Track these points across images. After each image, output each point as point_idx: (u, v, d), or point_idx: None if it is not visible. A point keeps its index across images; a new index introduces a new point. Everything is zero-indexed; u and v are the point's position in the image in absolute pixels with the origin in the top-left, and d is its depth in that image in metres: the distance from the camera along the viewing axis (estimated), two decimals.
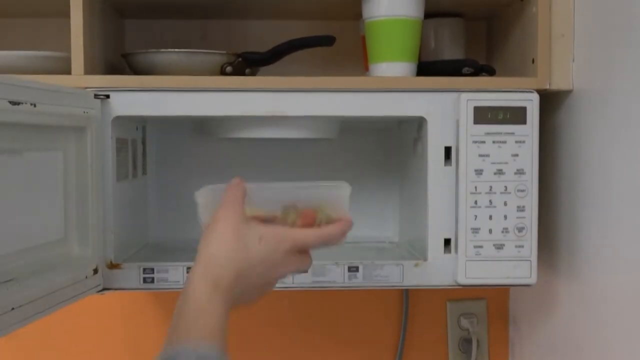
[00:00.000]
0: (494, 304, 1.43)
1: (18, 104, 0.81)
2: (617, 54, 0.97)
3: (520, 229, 1.07)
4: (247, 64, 1.14)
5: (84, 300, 0.99)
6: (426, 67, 1.16)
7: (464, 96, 1.06)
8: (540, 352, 1.27)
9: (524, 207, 1.06)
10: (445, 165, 1.08)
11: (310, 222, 0.91)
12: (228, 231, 0.81)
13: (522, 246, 1.07)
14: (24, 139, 0.86)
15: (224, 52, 1.13)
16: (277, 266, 0.83)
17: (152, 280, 1.07)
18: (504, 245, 1.07)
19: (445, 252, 1.09)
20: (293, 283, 1.08)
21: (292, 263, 0.85)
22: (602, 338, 1.03)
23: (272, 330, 1.42)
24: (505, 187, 1.06)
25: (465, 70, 1.13)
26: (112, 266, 1.06)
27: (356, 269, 1.09)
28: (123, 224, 1.12)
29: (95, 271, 1.01)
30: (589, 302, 1.07)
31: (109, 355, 1.40)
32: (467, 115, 1.05)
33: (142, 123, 1.28)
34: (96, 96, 1.02)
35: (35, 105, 0.85)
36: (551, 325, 1.21)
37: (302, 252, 0.86)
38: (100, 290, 1.04)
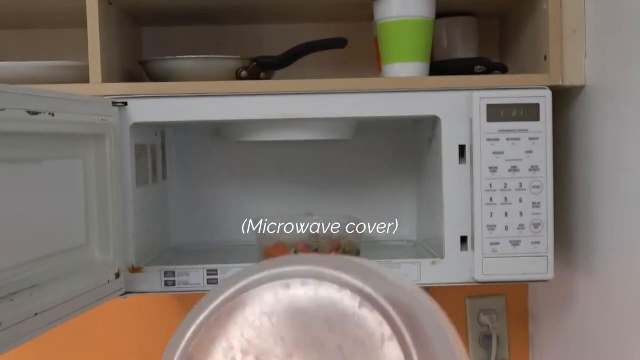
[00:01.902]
0: (513, 300, 1.43)
1: (36, 113, 0.83)
2: (629, 48, 0.97)
3: (536, 225, 1.07)
4: (261, 68, 1.15)
5: (107, 303, 1.01)
6: (439, 67, 1.16)
7: (477, 94, 1.06)
8: (561, 347, 1.27)
9: (539, 203, 1.07)
10: (460, 163, 1.08)
11: (337, 247, 1.15)
12: None
13: (539, 242, 1.07)
14: (43, 147, 0.88)
15: (239, 57, 1.14)
16: None
17: (174, 284, 1.09)
18: (520, 241, 1.07)
19: (462, 249, 1.09)
20: None
21: None
22: (621, 333, 1.03)
23: None
24: (520, 183, 1.07)
25: (477, 68, 1.13)
26: (134, 270, 1.08)
27: None
28: (144, 228, 1.14)
29: (117, 275, 1.03)
30: (607, 297, 1.07)
31: (132, 358, 1.43)
32: (481, 113, 1.06)
33: (161, 128, 1.30)
34: (114, 104, 1.04)
35: (53, 115, 0.86)
36: (571, 321, 1.21)
37: None
38: (123, 294, 1.06)
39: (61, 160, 0.92)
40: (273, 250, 1.17)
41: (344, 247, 1.17)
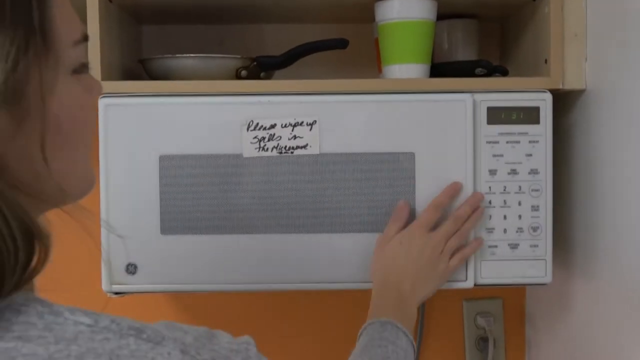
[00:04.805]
0: (510, 303, 1.43)
1: None
2: (630, 53, 0.97)
3: (534, 229, 1.07)
4: (261, 67, 1.15)
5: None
6: (439, 68, 1.16)
7: (478, 97, 1.06)
8: (557, 351, 1.27)
9: (538, 206, 1.07)
10: None
11: None
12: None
13: (537, 245, 1.07)
14: None
15: (239, 56, 1.14)
16: (421, 252, 1.02)
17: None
18: (518, 244, 1.07)
19: None
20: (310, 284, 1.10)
21: (429, 245, 1.02)
22: (618, 337, 1.03)
23: (288, 330, 1.43)
24: (520, 187, 1.07)
25: (478, 71, 1.13)
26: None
27: None
28: None
29: None
30: (604, 301, 1.07)
31: None
32: (481, 116, 1.06)
33: None
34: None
35: None
36: (568, 324, 1.21)
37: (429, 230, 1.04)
38: (120, 294, 1.06)
39: None
40: None
41: None
